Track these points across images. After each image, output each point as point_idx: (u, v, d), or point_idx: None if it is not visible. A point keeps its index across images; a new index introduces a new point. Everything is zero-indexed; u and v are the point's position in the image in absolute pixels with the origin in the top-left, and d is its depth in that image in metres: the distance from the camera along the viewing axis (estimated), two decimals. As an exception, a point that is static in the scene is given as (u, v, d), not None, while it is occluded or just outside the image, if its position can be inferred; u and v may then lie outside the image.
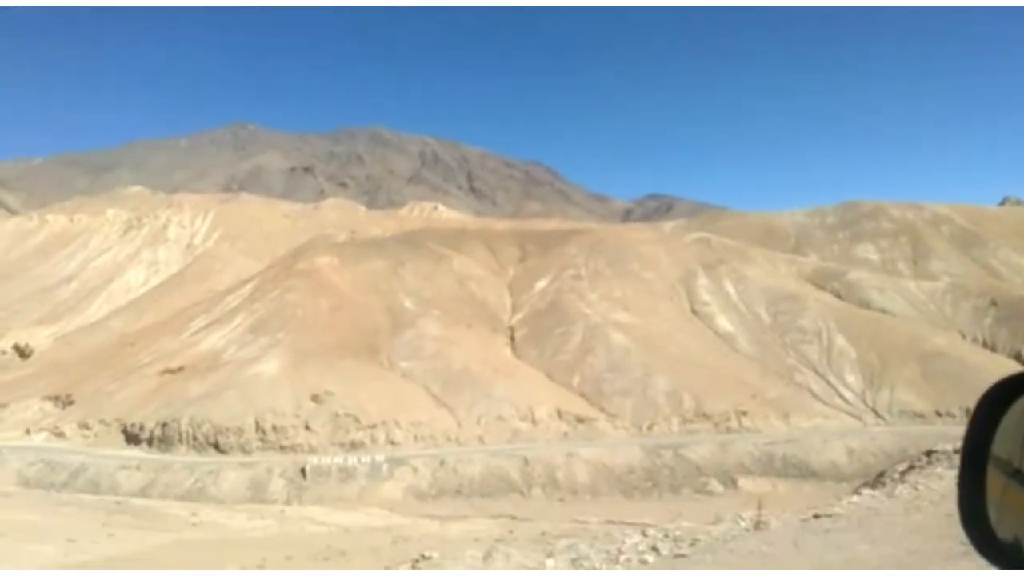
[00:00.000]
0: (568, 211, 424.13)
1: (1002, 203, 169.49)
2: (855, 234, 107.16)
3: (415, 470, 47.75)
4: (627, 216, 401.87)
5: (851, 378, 65.69)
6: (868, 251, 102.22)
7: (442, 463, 48.31)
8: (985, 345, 70.70)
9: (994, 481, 1.71)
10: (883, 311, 77.94)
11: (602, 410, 59.27)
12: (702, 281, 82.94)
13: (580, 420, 56.54)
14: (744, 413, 57.78)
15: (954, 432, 56.80)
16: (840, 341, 70.13)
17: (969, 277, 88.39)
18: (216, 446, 51.79)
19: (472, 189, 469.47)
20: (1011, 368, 66.26)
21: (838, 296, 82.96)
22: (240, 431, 52.29)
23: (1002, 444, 1.76)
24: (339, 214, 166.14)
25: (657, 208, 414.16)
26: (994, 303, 74.42)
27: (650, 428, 56.61)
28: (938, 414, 59.39)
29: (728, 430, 56.54)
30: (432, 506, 44.52)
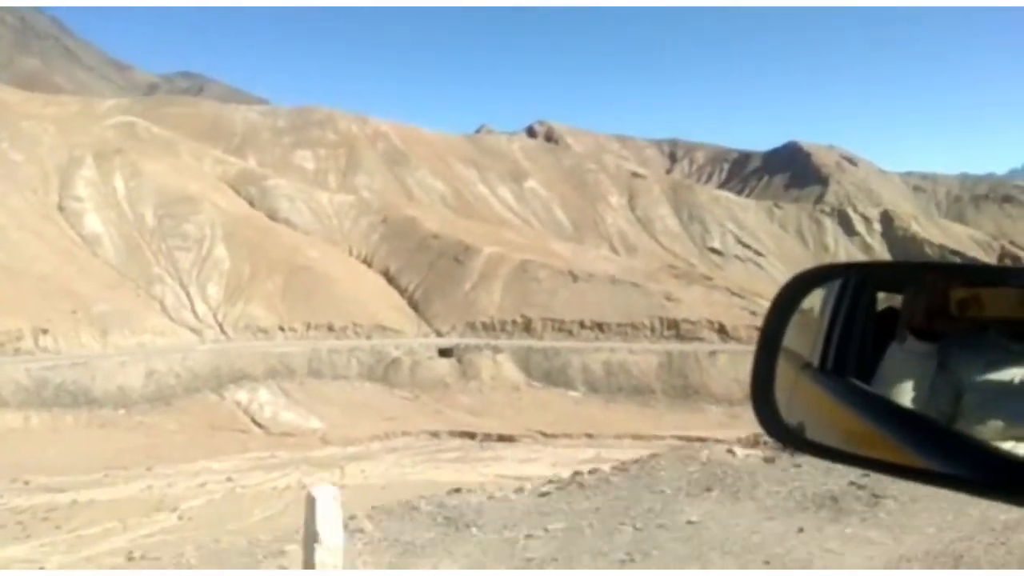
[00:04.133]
0: (77, 75, 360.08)
1: (478, 131, 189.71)
2: (299, 140, 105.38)
3: None
4: (152, 90, 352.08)
5: (213, 291, 62.39)
6: (306, 159, 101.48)
7: None
8: (365, 261, 74.18)
9: (785, 371, 1.85)
10: (287, 221, 76.78)
11: None
12: (86, 172, 71.14)
13: None
14: (45, 331, 49.56)
15: (278, 350, 57.21)
16: (220, 251, 66.28)
17: (385, 194, 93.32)
18: None
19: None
20: (372, 281, 70.40)
21: (251, 203, 79.47)
22: None
23: (793, 338, 1.88)
24: None
25: (188, 88, 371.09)
26: (384, 221, 78.64)
27: (-102, 352, 44.73)
28: (281, 329, 59.48)
29: (17, 351, 47.78)
30: None
